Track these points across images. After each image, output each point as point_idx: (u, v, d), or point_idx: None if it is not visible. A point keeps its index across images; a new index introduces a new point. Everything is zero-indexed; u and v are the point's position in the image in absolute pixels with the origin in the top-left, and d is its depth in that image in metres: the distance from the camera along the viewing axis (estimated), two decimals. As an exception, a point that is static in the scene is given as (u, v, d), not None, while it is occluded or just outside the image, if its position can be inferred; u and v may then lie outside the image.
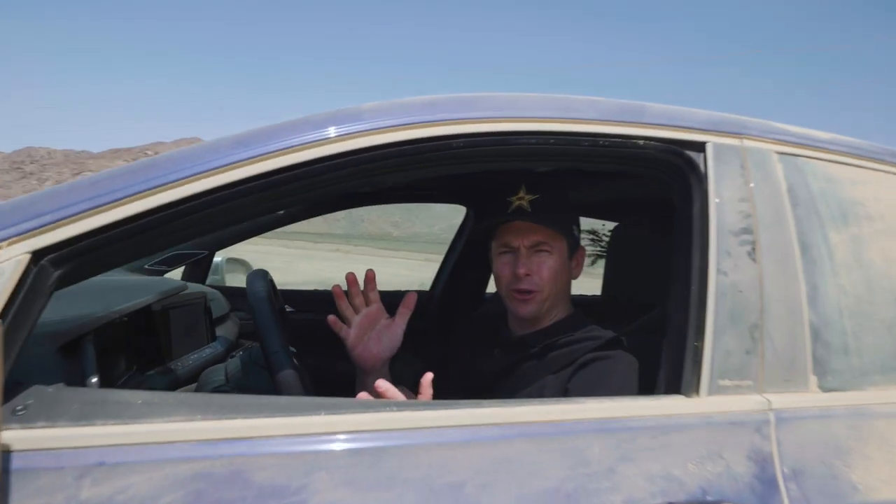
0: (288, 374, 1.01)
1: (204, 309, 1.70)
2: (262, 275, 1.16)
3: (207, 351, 1.63)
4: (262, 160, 0.87)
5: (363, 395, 1.02)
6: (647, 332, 1.27)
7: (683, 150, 1.10)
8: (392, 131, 0.93)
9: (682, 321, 1.01)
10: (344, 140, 0.92)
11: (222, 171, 0.85)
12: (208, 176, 0.85)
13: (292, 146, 0.89)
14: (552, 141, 1.03)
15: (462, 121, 0.98)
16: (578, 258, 1.33)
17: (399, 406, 0.85)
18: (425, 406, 0.90)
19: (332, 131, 0.91)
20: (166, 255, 2.19)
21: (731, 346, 0.97)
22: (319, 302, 2.65)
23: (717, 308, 0.98)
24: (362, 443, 0.79)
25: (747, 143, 1.15)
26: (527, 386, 1.22)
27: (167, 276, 2.21)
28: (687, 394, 0.94)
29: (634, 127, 1.08)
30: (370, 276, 1.18)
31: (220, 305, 1.87)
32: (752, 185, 1.11)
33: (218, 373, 1.13)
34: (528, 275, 1.23)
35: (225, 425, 0.75)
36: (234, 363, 1.16)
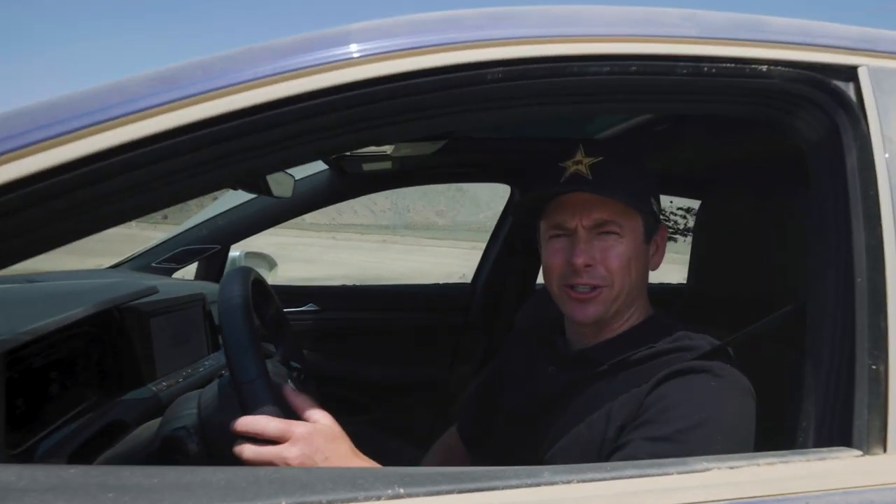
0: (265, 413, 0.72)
1: (202, 313, 1.44)
2: (241, 276, 0.87)
3: (206, 364, 1.37)
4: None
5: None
6: (768, 341, 0.93)
7: (825, 76, 0.75)
8: (386, 58, 0.62)
9: (838, 332, 0.66)
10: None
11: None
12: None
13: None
14: (633, 68, 0.70)
15: (499, 41, 0.67)
16: (658, 242, 0.98)
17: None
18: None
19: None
20: (175, 252, 1.95)
21: (929, 370, 0.62)
22: (353, 297, 2.38)
23: (903, 310, 0.63)
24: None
25: (918, 65, 0.79)
26: (585, 419, 0.88)
27: (177, 274, 1.97)
28: (864, 448, 0.60)
29: (753, 46, 0.74)
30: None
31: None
32: (930, 126, 0.75)
33: (190, 403, 0.86)
34: (588, 265, 0.89)
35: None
36: (209, 390, 0.88)
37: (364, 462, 0.71)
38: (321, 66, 0.61)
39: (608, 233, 0.90)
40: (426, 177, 2.00)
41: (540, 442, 0.93)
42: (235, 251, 2.19)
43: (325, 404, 1.27)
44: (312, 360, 2.12)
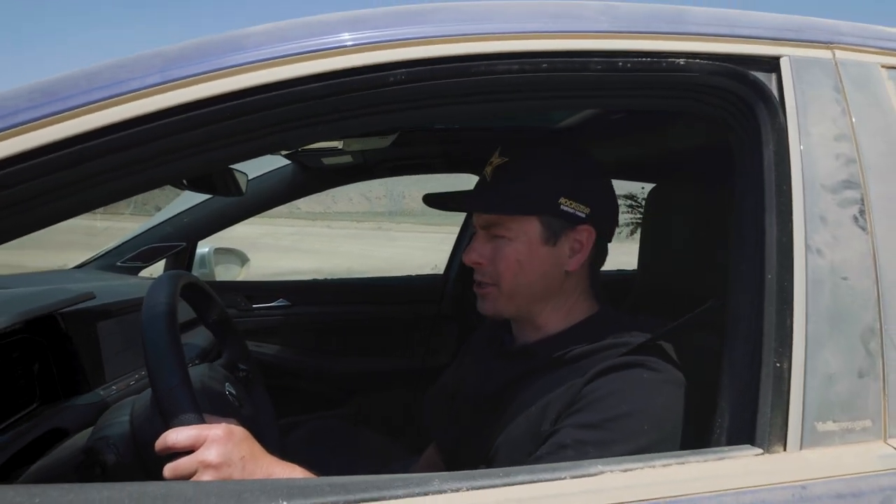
0: (187, 420, 0.71)
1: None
2: (168, 283, 0.86)
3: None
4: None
5: None
6: (703, 332, 0.92)
7: (746, 68, 0.74)
8: (283, 63, 0.61)
9: (751, 329, 0.66)
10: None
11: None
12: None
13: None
14: (544, 65, 0.69)
15: (405, 42, 0.65)
16: (582, 241, 0.92)
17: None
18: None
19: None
20: (140, 250, 1.94)
21: (834, 367, 0.62)
22: (324, 292, 2.37)
23: (809, 306, 0.63)
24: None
25: (842, 54, 0.78)
26: (524, 413, 0.88)
27: (143, 272, 1.96)
28: (765, 446, 0.60)
29: (670, 39, 0.73)
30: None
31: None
32: (852, 117, 0.74)
33: (123, 410, 0.85)
34: (477, 263, 0.93)
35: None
36: (143, 396, 0.87)
37: (276, 464, 0.71)
38: (213, 74, 0.60)
39: (497, 235, 0.91)
40: (390, 169, 1.99)
41: (487, 436, 0.93)
42: (204, 247, 2.18)
43: (281, 398, 1.27)
44: (284, 356, 2.13)
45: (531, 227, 0.90)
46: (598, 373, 0.84)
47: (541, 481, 0.55)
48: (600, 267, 0.99)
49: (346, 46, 0.64)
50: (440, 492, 0.53)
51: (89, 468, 0.75)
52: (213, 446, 0.69)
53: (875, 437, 0.61)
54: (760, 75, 0.75)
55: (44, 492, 0.51)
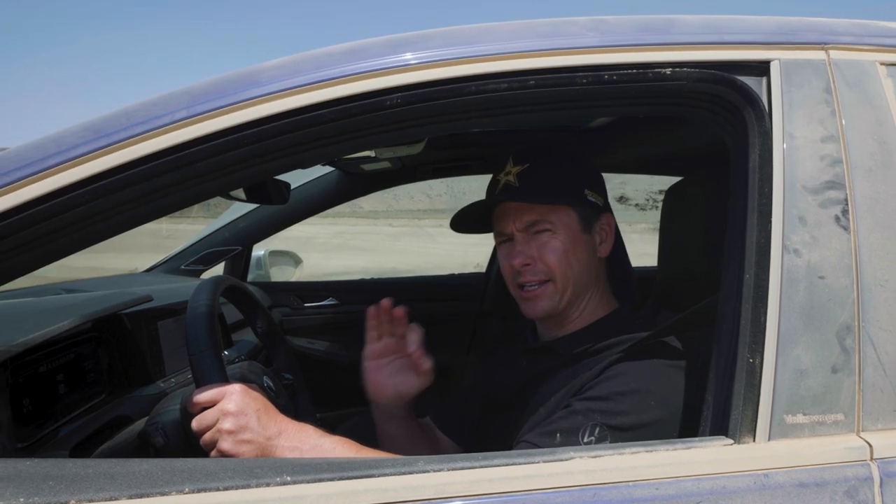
0: (212, 378, 0.82)
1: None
2: (211, 285, 0.97)
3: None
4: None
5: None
6: (707, 327, 0.95)
7: (733, 74, 0.77)
8: (294, 93, 0.69)
9: (731, 326, 0.69)
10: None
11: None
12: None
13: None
14: (532, 83, 0.74)
15: (397, 68, 0.72)
16: (606, 229, 1.02)
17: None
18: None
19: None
20: (201, 254, 2.10)
21: (806, 362, 0.64)
22: (372, 290, 2.48)
23: (783, 304, 0.66)
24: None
25: (836, 54, 0.79)
26: (543, 405, 0.95)
27: (204, 275, 2.13)
28: (736, 437, 0.64)
29: (656, 51, 0.77)
30: (396, 314, 0.98)
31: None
32: (842, 118, 0.75)
33: (175, 400, 0.97)
34: (527, 264, 0.97)
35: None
36: (192, 388, 0.98)
37: (288, 421, 0.80)
38: (232, 107, 0.69)
39: (541, 231, 0.96)
40: (429, 172, 2.06)
41: (510, 428, 1.00)
42: (259, 250, 2.33)
43: (331, 393, 1.35)
44: (333, 352, 2.25)
45: (570, 218, 0.97)
46: (610, 363, 0.89)
47: (516, 464, 0.61)
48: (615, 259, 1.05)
49: (348, 76, 0.71)
50: (423, 471, 0.60)
51: (143, 450, 0.87)
52: (232, 397, 0.79)
53: (847, 431, 0.63)
54: (749, 80, 0.77)
55: (96, 464, 0.62)
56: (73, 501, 0.56)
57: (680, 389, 0.87)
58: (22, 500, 0.56)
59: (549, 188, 0.95)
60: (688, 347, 0.91)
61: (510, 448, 0.96)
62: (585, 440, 0.83)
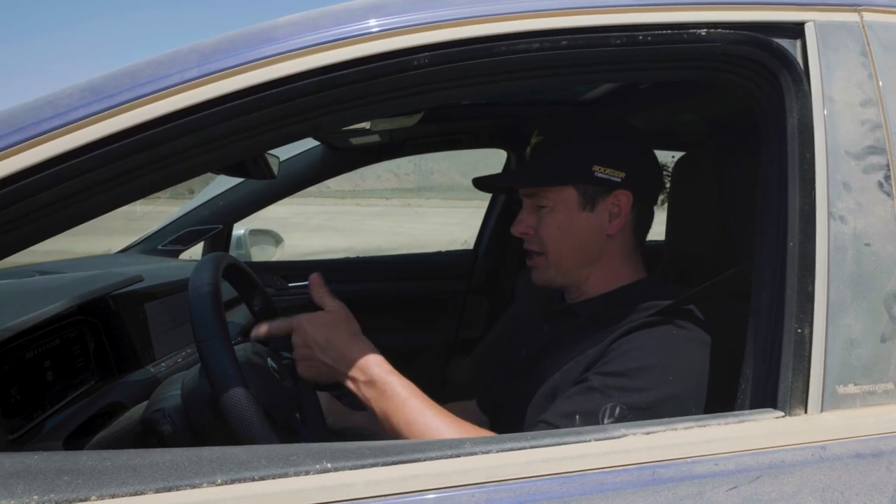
0: (224, 367, 0.76)
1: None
2: (212, 263, 0.91)
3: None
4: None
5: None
6: (729, 298, 0.94)
7: (769, 36, 0.74)
8: (313, 52, 0.64)
9: (773, 296, 0.67)
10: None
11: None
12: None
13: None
14: (564, 43, 0.70)
15: (427, 26, 0.67)
16: (614, 204, 0.96)
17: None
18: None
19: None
20: (180, 234, 2.01)
21: (856, 332, 0.63)
22: (357, 269, 2.43)
23: (831, 272, 0.64)
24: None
25: (870, 16, 0.77)
26: (561, 369, 0.93)
27: (183, 255, 2.04)
28: (786, 409, 0.62)
29: (691, 10, 0.74)
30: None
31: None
32: (879, 80, 0.73)
33: (175, 385, 0.91)
34: (524, 233, 1.00)
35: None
36: (193, 371, 0.93)
37: (363, 344, 0.87)
38: (246, 66, 0.63)
39: (539, 206, 0.98)
40: (418, 146, 2.01)
41: (529, 391, 0.98)
42: (239, 229, 2.25)
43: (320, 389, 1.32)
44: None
45: (567, 196, 0.95)
46: (627, 330, 0.88)
47: (566, 444, 0.58)
48: (646, 231, 1.04)
49: (371, 33, 0.66)
50: (471, 454, 0.56)
51: (147, 437, 0.82)
52: (299, 333, 0.90)
53: (898, 400, 0.62)
54: (784, 42, 0.75)
55: (114, 456, 0.56)
56: (93, 497, 0.51)
57: (700, 363, 0.86)
58: (36, 497, 0.51)
59: (550, 167, 0.96)
60: (709, 320, 0.90)
61: (528, 411, 0.95)
62: (606, 422, 0.81)
